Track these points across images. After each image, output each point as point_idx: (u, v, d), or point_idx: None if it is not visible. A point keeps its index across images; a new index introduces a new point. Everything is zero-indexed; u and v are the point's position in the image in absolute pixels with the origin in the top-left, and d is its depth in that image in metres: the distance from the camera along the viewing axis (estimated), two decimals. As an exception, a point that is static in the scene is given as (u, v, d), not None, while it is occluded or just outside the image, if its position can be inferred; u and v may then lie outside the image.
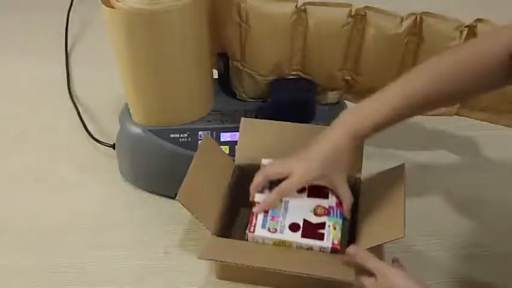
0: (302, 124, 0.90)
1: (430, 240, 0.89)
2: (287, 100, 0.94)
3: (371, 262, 0.70)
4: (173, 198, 0.96)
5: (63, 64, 1.36)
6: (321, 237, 0.77)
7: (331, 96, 0.98)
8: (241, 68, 0.96)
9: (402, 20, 0.88)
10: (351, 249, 0.72)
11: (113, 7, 0.83)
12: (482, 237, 0.90)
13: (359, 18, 0.88)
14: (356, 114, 0.75)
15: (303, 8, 0.89)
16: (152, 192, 0.99)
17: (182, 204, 0.75)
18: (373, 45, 0.90)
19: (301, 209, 0.80)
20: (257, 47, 0.92)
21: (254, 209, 0.80)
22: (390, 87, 0.73)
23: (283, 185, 0.78)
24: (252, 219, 0.79)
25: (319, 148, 0.76)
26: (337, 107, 0.99)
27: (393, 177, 0.80)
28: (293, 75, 0.97)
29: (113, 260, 0.88)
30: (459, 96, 0.74)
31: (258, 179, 0.80)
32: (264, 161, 0.84)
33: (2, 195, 1.01)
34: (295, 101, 0.94)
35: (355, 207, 0.82)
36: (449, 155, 1.07)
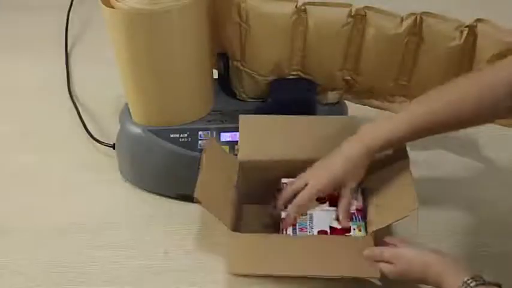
0: (299, 116, 0.91)
1: (430, 240, 0.89)
2: (287, 100, 0.94)
3: (386, 253, 0.74)
4: (173, 198, 0.97)
5: (63, 64, 1.36)
6: None
7: (331, 96, 0.98)
8: (241, 68, 0.96)
9: (402, 20, 0.88)
10: (366, 252, 0.76)
11: (112, 7, 0.83)
12: (482, 237, 0.90)
13: (359, 18, 0.88)
14: (370, 131, 0.79)
15: (302, 8, 0.89)
16: (152, 192, 0.99)
17: (200, 203, 0.76)
18: (373, 45, 0.90)
19: (325, 218, 0.83)
20: (257, 47, 0.92)
21: (281, 225, 0.83)
22: (403, 110, 0.79)
23: (298, 196, 0.82)
24: (283, 233, 0.82)
25: (334, 159, 0.81)
26: (337, 107, 0.99)
27: (396, 158, 0.83)
28: (293, 75, 0.97)
29: (113, 260, 0.88)
30: (462, 125, 0.78)
31: (283, 195, 0.84)
32: (284, 180, 0.88)
33: (2, 195, 1.01)
34: (295, 101, 0.94)
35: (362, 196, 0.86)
36: (449, 155, 1.07)
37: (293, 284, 0.79)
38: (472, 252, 0.87)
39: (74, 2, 1.54)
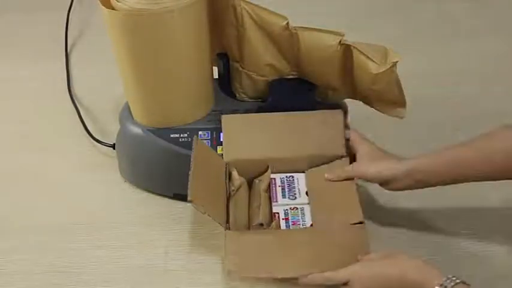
0: (282, 113, 0.91)
1: (429, 240, 0.89)
2: (287, 100, 0.94)
3: (334, 277, 0.72)
4: (173, 198, 0.97)
5: (63, 64, 1.36)
6: None
7: (331, 96, 0.98)
8: (240, 69, 0.96)
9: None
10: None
11: (112, 7, 0.83)
12: (482, 237, 0.90)
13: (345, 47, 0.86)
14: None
15: (294, 30, 0.87)
16: (152, 192, 0.99)
17: (194, 204, 0.76)
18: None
19: None
20: (253, 50, 0.92)
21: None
22: (447, 152, 0.81)
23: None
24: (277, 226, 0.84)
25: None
26: (338, 107, 0.99)
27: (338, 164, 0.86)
28: (293, 75, 0.97)
29: (113, 260, 0.88)
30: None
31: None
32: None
33: (2, 195, 1.01)
34: (295, 101, 0.94)
35: None
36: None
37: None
38: (472, 252, 0.87)
39: (73, 2, 1.55)
